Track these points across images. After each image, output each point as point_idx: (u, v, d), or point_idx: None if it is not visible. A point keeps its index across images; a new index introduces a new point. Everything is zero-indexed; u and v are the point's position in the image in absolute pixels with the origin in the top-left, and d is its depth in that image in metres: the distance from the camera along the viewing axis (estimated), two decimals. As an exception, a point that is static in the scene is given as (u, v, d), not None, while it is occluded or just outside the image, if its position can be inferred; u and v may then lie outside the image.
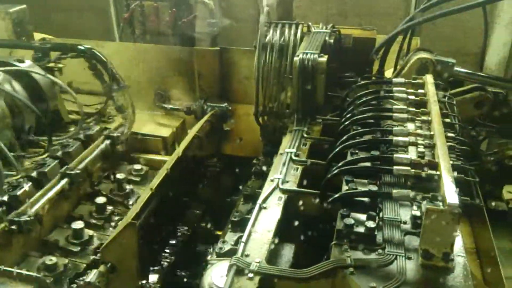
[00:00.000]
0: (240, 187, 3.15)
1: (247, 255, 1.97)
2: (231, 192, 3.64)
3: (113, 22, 6.28)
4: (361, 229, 2.05)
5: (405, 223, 2.13)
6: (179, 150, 3.18)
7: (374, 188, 2.29)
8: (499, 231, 3.37)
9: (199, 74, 4.08)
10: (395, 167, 2.18)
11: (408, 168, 2.17)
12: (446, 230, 1.86)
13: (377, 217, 2.15)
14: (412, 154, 2.35)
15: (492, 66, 5.46)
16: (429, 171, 2.15)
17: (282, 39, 3.12)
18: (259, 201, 2.27)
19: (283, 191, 2.38)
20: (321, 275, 1.88)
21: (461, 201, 2.00)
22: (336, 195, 2.15)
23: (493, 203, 3.43)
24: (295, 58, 2.91)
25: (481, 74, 3.47)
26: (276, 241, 2.13)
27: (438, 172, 2.10)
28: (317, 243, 2.25)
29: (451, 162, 2.26)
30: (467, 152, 3.22)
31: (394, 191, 2.08)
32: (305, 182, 2.55)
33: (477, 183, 3.30)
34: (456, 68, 3.22)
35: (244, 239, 2.03)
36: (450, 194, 1.90)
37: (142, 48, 4.28)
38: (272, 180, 2.44)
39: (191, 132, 3.48)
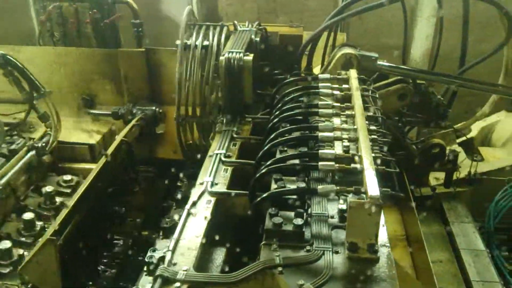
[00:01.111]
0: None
1: (174, 264, 1.91)
2: (167, 196, 3.55)
3: (34, 26, 5.93)
4: (289, 227, 2.06)
5: (332, 217, 2.16)
6: (104, 158, 3.05)
7: (302, 185, 2.31)
8: (428, 216, 3.54)
9: (126, 76, 3.94)
10: (320, 163, 2.20)
11: (333, 163, 2.20)
12: (370, 221, 1.90)
13: (305, 214, 2.17)
14: (338, 148, 2.39)
15: (417, 58, 5.72)
16: (353, 165, 2.19)
17: (206, 40, 3.07)
18: (187, 206, 2.22)
19: (212, 194, 2.34)
20: (250, 277, 1.86)
21: (382, 192, 2.06)
22: (264, 195, 2.14)
23: (420, 190, 3.58)
24: (221, 58, 2.87)
25: (403, 67, 3.60)
26: (206, 246, 2.09)
27: (361, 166, 2.14)
28: (250, 244, 2.23)
29: (374, 154, 2.31)
30: (390, 144, 3.34)
31: (319, 186, 2.10)
32: (235, 183, 2.53)
33: (403, 172, 3.46)
34: (379, 62, 3.32)
35: (171, 247, 1.97)
36: (372, 186, 1.94)
37: (63, 52, 4.06)
38: (201, 184, 2.39)
39: (118, 138, 3.35)
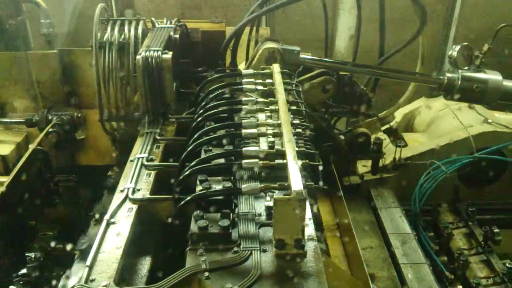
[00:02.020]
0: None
1: (92, 280, 1.78)
2: (92, 205, 3.35)
3: None
4: (215, 230, 2.00)
5: (259, 215, 2.12)
6: (15, 169, 2.82)
7: (228, 184, 2.26)
8: (358, 203, 3.62)
9: (38, 81, 3.67)
10: (244, 161, 2.16)
11: (257, 160, 2.17)
12: (296, 217, 1.89)
13: (232, 214, 2.13)
14: (262, 145, 2.36)
15: (342, 49, 5.86)
16: (277, 161, 2.17)
17: (122, 36, 2.92)
18: (107, 216, 2.08)
19: (134, 201, 2.22)
20: (176, 286, 1.78)
21: (306, 186, 2.05)
22: (187, 198, 2.06)
23: (348, 179, 3.66)
24: (137, 57, 2.74)
25: (326, 59, 3.66)
26: (128, 257, 1.98)
27: (285, 161, 2.13)
28: (177, 251, 2.15)
29: (297, 149, 2.31)
30: (318, 135, 3.38)
31: (243, 186, 2.05)
32: (161, 188, 2.43)
33: (331, 163, 3.51)
34: (302, 56, 3.33)
35: (88, 262, 1.84)
36: (295, 181, 1.93)
37: (-34, 56, 3.70)
38: (121, 191, 2.27)
39: (31, 147, 3.12)
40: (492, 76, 3.29)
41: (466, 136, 3.73)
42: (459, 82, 3.27)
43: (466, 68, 3.27)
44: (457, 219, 3.48)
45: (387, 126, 4.49)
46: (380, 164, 3.74)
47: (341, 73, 3.64)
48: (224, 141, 2.50)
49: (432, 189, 3.61)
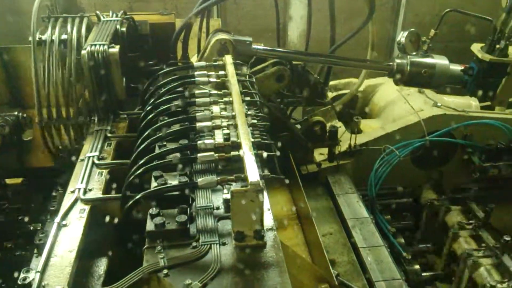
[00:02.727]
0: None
1: (45, 286, 1.71)
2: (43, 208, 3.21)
3: None
4: (173, 226, 1.96)
5: (218, 208, 2.10)
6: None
7: (184, 179, 2.22)
8: (316, 191, 3.66)
9: (-25, 81, 3.47)
10: (199, 154, 2.13)
11: (212, 153, 2.14)
12: (254, 208, 1.88)
13: (189, 209, 2.09)
14: (218, 137, 2.33)
15: (295, 39, 5.88)
16: (233, 153, 2.15)
17: (64, 33, 2.79)
18: (57, 219, 2.00)
19: (86, 201, 2.14)
20: (133, 286, 1.73)
21: (263, 177, 2.04)
22: (138, 196, 2.00)
23: (306, 168, 3.69)
24: (83, 52, 2.63)
25: (278, 49, 3.65)
26: (83, 259, 1.91)
27: (240, 152, 2.11)
28: (134, 250, 2.09)
29: (253, 139, 2.29)
30: (274, 126, 3.37)
31: (199, 179, 2.02)
32: (114, 186, 2.35)
33: (289, 152, 3.53)
34: (254, 46, 3.31)
35: (40, 267, 1.76)
36: (252, 172, 1.91)
37: None
38: (72, 192, 2.17)
39: (-28, 151, 2.95)
40: (439, 61, 3.40)
41: (417, 120, 3.83)
42: (408, 67, 3.35)
43: (414, 53, 3.36)
44: (442, 197, 3.62)
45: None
46: (336, 152, 3.79)
47: (294, 62, 3.65)
48: (179, 136, 2.46)
49: (386, 174, 3.69)
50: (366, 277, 2.77)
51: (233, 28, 4.36)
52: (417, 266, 3.15)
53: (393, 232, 3.39)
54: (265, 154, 2.20)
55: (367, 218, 3.21)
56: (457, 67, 3.38)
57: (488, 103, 4.10)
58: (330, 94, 4.59)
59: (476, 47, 3.30)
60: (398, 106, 4.23)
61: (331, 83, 4.69)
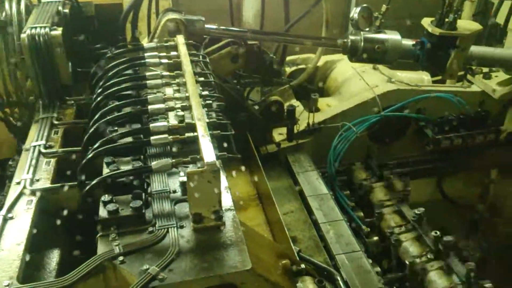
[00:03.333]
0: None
1: (-9, 282, 1.62)
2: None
3: None
4: (127, 212, 1.90)
5: (174, 192, 2.06)
6: None
7: (138, 164, 2.15)
8: (277, 171, 3.66)
9: None
10: (152, 137, 2.07)
11: (166, 135, 2.08)
12: (211, 189, 1.84)
13: (144, 194, 2.03)
14: (172, 119, 2.27)
15: (250, 19, 5.79)
16: (187, 134, 2.10)
17: (4, 14, 2.62)
18: (2, 212, 1.89)
19: (33, 192, 2.03)
20: (87, 275, 1.67)
21: (219, 157, 2.01)
22: (93, 183, 1.92)
23: (265, 148, 3.67)
24: (22, 36, 2.48)
25: (232, 28, 3.59)
26: (33, 252, 1.82)
27: (196, 134, 2.06)
28: (88, 239, 2.01)
29: (208, 120, 2.25)
30: (232, 107, 3.33)
31: (153, 163, 1.96)
32: (63, 175, 2.25)
33: (247, 133, 3.50)
34: (207, 26, 3.23)
35: (-15, 263, 1.66)
36: (207, 153, 1.87)
37: None
38: (17, 183, 2.06)
39: None
40: (392, 36, 3.43)
41: (373, 96, 3.89)
42: (362, 43, 3.37)
43: (367, 29, 3.37)
44: (370, 175, 3.65)
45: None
46: (295, 131, 3.79)
47: (249, 42, 3.60)
48: (131, 120, 2.38)
49: (345, 150, 3.73)
50: (327, 251, 2.81)
51: (185, 9, 4.24)
52: (376, 238, 3.21)
53: (352, 207, 3.44)
54: (221, 134, 2.18)
55: (327, 194, 3.25)
56: (408, 42, 3.43)
57: (440, 77, 4.21)
58: (288, 69, 4.59)
59: (426, 21, 3.34)
60: (354, 83, 4.28)
61: (289, 58, 4.67)
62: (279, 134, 3.92)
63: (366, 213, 3.46)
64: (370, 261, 2.90)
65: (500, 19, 4.24)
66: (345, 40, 3.41)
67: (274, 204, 2.82)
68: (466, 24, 3.37)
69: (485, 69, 4.11)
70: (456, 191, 4.53)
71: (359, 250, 2.78)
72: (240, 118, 3.45)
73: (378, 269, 2.98)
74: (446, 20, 3.21)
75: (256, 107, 3.87)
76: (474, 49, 3.51)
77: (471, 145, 3.99)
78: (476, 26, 3.40)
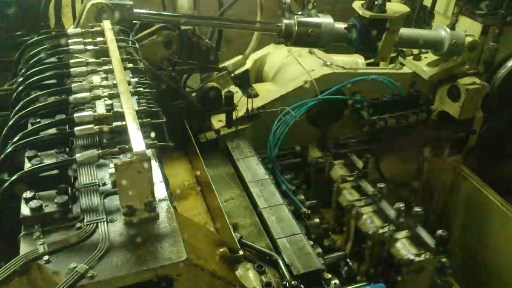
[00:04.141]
0: None
1: None
2: None
3: None
4: (52, 208, 1.79)
5: (104, 184, 1.96)
6: None
7: (63, 157, 2.03)
8: (217, 158, 3.61)
9: None
10: (76, 128, 1.95)
11: (91, 126, 1.97)
12: (142, 179, 1.77)
13: (71, 188, 1.92)
14: (99, 108, 2.16)
15: (185, 4, 5.65)
16: (115, 123, 2.01)
17: None
18: None
19: None
20: (9, 278, 1.56)
21: (150, 146, 1.94)
22: (12, 179, 1.79)
23: (204, 135, 3.61)
24: None
25: (164, 13, 3.47)
26: None
27: (124, 123, 1.97)
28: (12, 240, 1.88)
29: (138, 108, 2.17)
30: (168, 94, 3.24)
31: (78, 155, 1.85)
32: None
33: (184, 121, 3.43)
34: (136, 10, 3.10)
35: None
36: (137, 142, 1.79)
37: None
38: None
39: None
40: (325, 20, 3.45)
41: (310, 80, 3.92)
42: (296, 27, 3.37)
43: (300, 13, 3.38)
44: (326, 154, 3.74)
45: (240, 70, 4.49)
46: (234, 117, 3.76)
47: (184, 27, 3.51)
48: (56, 111, 2.24)
49: (284, 134, 3.75)
50: (269, 236, 2.81)
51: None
52: (317, 220, 3.27)
53: (293, 190, 3.47)
54: (152, 122, 2.10)
55: (267, 179, 3.25)
56: (341, 25, 3.47)
57: (373, 59, 4.32)
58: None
59: (357, 4, 3.40)
60: (291, 67, 4.30)
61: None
62: (218, 121, 3.87)
63: (320, 193, 3.55)
64: (311, 242, 2.94)
65: (427, 1, 4.40)
66: (279, 24, 3.40)
67: (213, 191, 2.78)
68: (395, 7, 3.46)
69: (415, 51, 4.25)
70: (392, 169, 4.70)
71: (299, 232, 2.81)
72: (176, 105, 3.37)
73: (320, 250, 3.05)
74: (376, 3, 3.27)
75: (194, 94, 3.79)
76: (404, 31, 3.62)
77: (404, 124, 4.13)
78: (404, 8, 3.49)
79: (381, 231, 3.00)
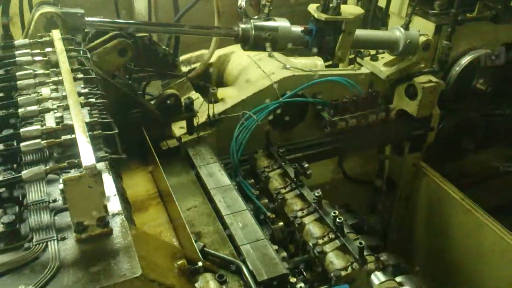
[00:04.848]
0: None
1: None
2: None
3: None
4: (-2, 229, 1.72)
5: (55, 201, 1.89)
6: None
7: (10, 174, 1.95)
8: (179, 166, 3.55)
9: None
10: (22, 144, 1.88)
11: (38, 140, 1.91)
12: (93, 194, 1.72)
13: (19, 207, 1.85)
14: (49, 122, 2.10)
15: (143, 11, 5.58)
16: (64, 137, 1.94)
17: None
18: None
19: None
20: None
21: (100, 159, 1.89)
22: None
23: (166, 143, 3.55)
24: None
25: (117, 20, 3.39)
26: None
27: (74, 136, 1.91)
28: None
29: (89, 119, 2.11)
30: (124, 103, 3.17)
31: (24, 172, 1.78)
32: None
33: (143, 129, 3.36)
34: (88, 18, 3.02)
35: None
36: (86, 156, 1.74)
37: None
38: None
39: None
40: (281, 23, 3.47)
41: (270, 84, 3.92)
42: (253, 32, 3.37)
43: (256, 17, 3.38)
44: (272, 162, 3.68)
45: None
46: (195, 123, 3.72)
47: (140, 34, 3.44)
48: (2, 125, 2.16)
49: (247, 139, 3.73)
50: (232, 243, 2.78)
51: (70, 2, 3.95)
52: (281, 223, 3.25)
53: (257, 195, 3.45)
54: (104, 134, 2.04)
55: (229, 185, 3.22)
56: (298, 29, 3.49)
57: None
58: (184, 68, 4.48)
59: (312, 7, 3.43)
60: (251, 71, 4.29)
61: (184, 57, 4.58)
62: (180, 128, 3.81)
63: (271, 200, 3.50)
64: (276, 247, 2.93)
65: (382, 2, 4.49)
66: (236, 28, 3.39)
67: (174, 201, 2.73)
68: (350, 9, 3.51)
69: (373, 52, 4.33)
70: (355, 169, 4.77)
71: (263, 238, 2.79)
72: (134, 114, 3.31)
73: (284, 254, 3.03)
74: (330, 5, 3.31)
75: (153, 101, 3.73)
76: (360, 33, 3.68)
77: (365, 124, 4.19)
78: (359, 10, 3.55)
79: (320, 241, 2.86)
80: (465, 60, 4.45)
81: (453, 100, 4.53)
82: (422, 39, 3.93)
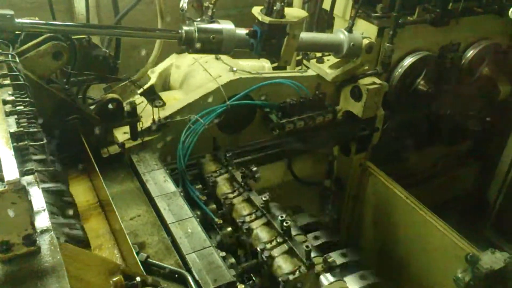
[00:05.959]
0: None
1: None
2: None
3: None
4: None
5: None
6: None
7: None
8: (121, 174, 3.42)
9: None
10: None
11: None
12: (17, 211, 1.60)
13: None
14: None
15: (83, 12, 5.36)
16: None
17: None
18: None
19: None
20: None
21: (25, 173, 1.76)
22: None
23: (107, 150, 3.41)
24: None
25: (52, 22, 3.20)
26: None
27: (-4, 148, 1.77)
28: None
29: (14, 130, 1.97)
30: (60, 111, 3.01)
31: None
32: None
33: (82, 137, 3.21)
34: (18, 20, 2.83)
35: None
36: (9, 169, 1.62)
37: None
38: None
39: None
40: (225, 26, 3.41)
41: (217, 87, 3.86)
42: (197, 34, 3.29)
43: (199, 19, 3.30)
44: (219, 166, 3.62)
45: (146, 86, 4.36)
46: (139, 128, 3.59)
47: (78, 36, 3.28)
48: None
49: (194, 143, 3.65)
50: (178, 252, 2.70)
51: (3, 3, 3.73)
52: (229, 229, 3.21)
53: (205, 200, 3.38)
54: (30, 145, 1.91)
55: (175, 191, 3.13)
56: (242, 31, 3.45)
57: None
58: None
59: (256, 10, 3.39)
60: (198, 74, 4.21)
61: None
62: (124, 133, 3.67)
63: (219, 205, 3.44)
64: (224, 253, 2.88)
65: (327, 5, 4.54)
66: (180, 31, 3.30)
67: (114, 211, 2.61)
68: (294, 12, 3.50)
69: (319, 54, 4.36)
70: (305, 170, 4.80)
71: (209, 245, 2.73)
72: (72, 120, 3.15)
73: (233, 260, 2.99)
74: (274, 8, 3.28)
75: (92, 107, 3.57)
76: (304, 35, 3.68)
77: (312, 126, 4.22)
78: (302, 13, 3.55)
79: (268, 246, 2.84)
80: (407, 62, 4.58)
81: (396, 101, 4.65)
82: (365, 41, 3.99)
